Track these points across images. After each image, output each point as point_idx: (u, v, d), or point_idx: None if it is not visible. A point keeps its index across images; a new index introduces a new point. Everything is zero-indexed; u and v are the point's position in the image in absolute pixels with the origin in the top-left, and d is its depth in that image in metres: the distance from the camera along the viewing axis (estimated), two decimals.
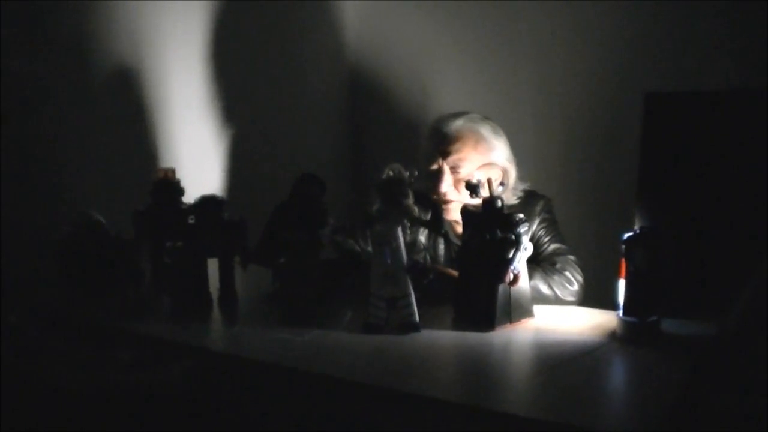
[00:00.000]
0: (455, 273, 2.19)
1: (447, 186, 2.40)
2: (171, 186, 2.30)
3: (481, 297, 2.02)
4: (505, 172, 2.42)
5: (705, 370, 1.74)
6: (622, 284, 1.92)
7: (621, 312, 1.92)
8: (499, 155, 2.44)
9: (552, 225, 2.47)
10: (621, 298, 1.92)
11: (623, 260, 1.91)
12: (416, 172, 2.03)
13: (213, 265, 2.22)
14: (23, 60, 2.50)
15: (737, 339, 1.77)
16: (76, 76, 2.69)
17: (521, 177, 2.52)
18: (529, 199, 2.50)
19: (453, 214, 2.42)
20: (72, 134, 2.66)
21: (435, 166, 2.43)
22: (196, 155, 3.16)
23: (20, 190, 2.50)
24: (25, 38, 2.50)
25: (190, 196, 2.26)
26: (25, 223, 2.48)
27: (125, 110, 2.88)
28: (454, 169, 2.40)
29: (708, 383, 1.72)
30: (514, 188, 2.48)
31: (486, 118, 2.50)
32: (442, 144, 2.42)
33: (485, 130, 2.45)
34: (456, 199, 2.39)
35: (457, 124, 2.44)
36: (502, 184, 2.13)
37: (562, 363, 1.75)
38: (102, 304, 2.22)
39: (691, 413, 1.62)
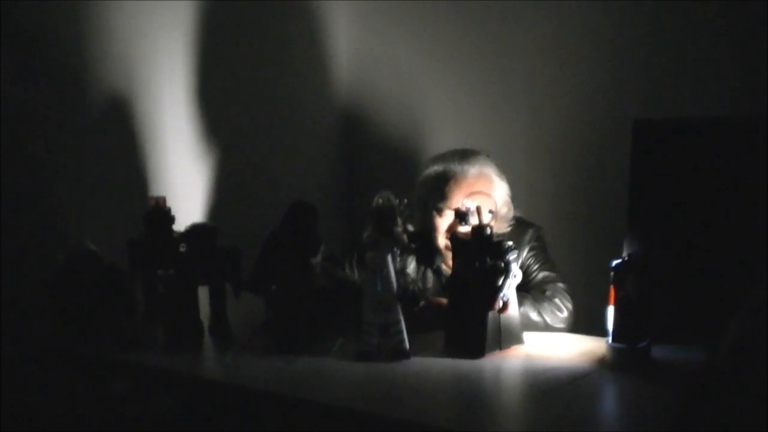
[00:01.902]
0: (445, 301, 2.20)
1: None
2: (162, 214, 2.30)
3: (471, 324, 2.03)
4: (499, 209, 2.39)
5: (696, 397, 1.75)
6: (611, 311, 1.93)
7: (610, 338, 1.93)
8: (502, 192, 2.45)
9: (542, 253, 2.48)
10: (610, 325, 1.93)
11: (612, 287, 1.92)
12: (406, 200, 2.04)
13: (205, 294, 2.23)
14: (15, 88, 2.51)
15: (728, 366, 1.77)
16: (68, 104, 2.70)
17: (512, 204, 2.52)
18: (519, 227, 2.51)
19: (447, 252, 2.42)
20: (64, 163, 2.67)
21: (451, 213, 2.39)
22: (188, 183, 3.16)
23: (12, 220, 2.50)
24: (18, 66, 2.52)
25: (181, 224, 2.26)
26: (18, 252, 2.48)
27: (117, 139, 2.89)
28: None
29: (699, 410, 1.72)
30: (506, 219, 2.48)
31: (489, 156, 2.51)
32: (459, 191, 2.39)
33: (493, 172, 2.45)
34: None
35: (474, 171, 2.42)
36: (491, 211, 2.15)
37: (552, 389, 1.76)
38: (96, 334, 2.22)
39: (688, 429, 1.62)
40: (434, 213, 2.45)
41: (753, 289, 1.77)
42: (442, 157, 2.51)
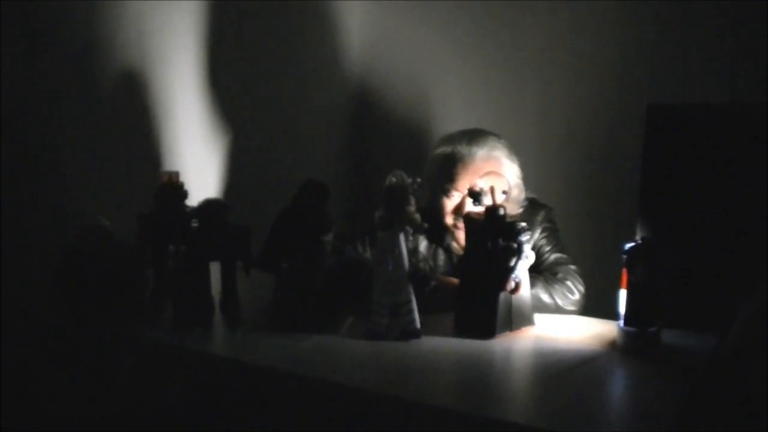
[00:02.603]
0: (456, 282, 2.19)
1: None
2: (175, 190, 2.30)
3: (482, 305, 2.02)
4: (511, 188, 2.40)
5: (706, 382, 1.75)
6: (623, 294, 1.92)
7: (621, 322, 1.92)
8: (512, 174, 2.44)
9: (554, 234, 2.47)
10: (622, 308, 1.92)
11: (624, 270, 1.91)
12: (419, 179, 2.03)
13: (216, 271, 2.23)
14: (27, 64, 2.50)
15: (738, 352, 1.77)
16: (80, 79, 2.69)
17: (524, 185, 2.52)
18: (531, 208, 2.50)
19: (458, 233, 2.42)
20: (76, 138, 2.67)
21: (459, 194, 2.41)
22: (200, 159, 3.16)
23: (24, 195, 2.50)
24: (30, 42, 2.51)
25: (193, 200, 2.26)
26: (29, 227, 2.48)
27: (129, 114, 2.88)
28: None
29: (709, 395, 1.72)
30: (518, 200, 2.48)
31: (500, 138, 2.50)
32: (467, 173, 2.40)
33: (503, 154, 2.44)
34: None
35: (482, 153, 2.42)
36: (504, 192, 2.14)
37: (562, 372, 1.76)
38: (106, 309, 2.23)
39: (692, 425, 1.62)
40: (441, 194, 2.45)
41: (763, 276, 1.76)
42: (451, 138, 2.51)
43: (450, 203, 2.45)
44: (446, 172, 2.45)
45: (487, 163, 2.40)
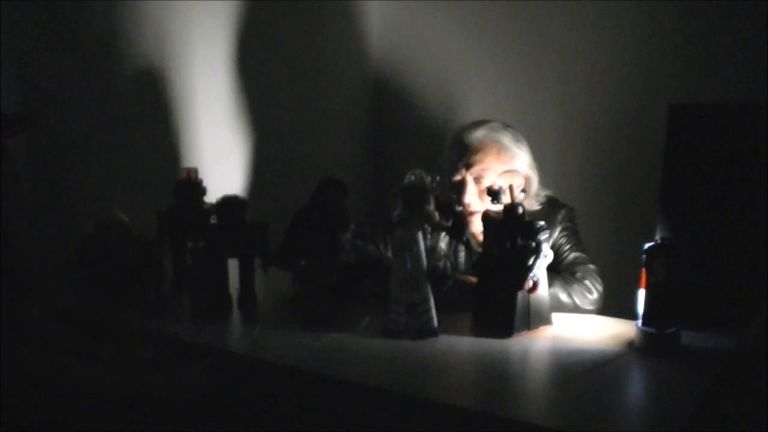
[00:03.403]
0: (474, 280, 2.19)
1: (471, 197, 2.40)
2: (193, 186, 2.31)
3: (500, 303, 2.02)
4: (527, 179, 2.41)
5: (724, 384, 1.73)
6: (642, 294, 1.91)
7: (640, 322, 1.91)
8: (521, 162, 2.44)
9: (573, 233, 2.46)
10: (641, 309, 1.91)
11: (644, 270, 1.90)
12: (438, 178, 2.03)
13: (234, 267, 2.24)
14: (49, 59, 2.52)
15: (757, 353, 1.75)
16: (101, 75, 2.71)
17: (544, 184, 2.51)
18: (551, 207, 2.49)
19: (476, 223, 2.42)
20: (96, 133, 2.68)
21: (458, 177, 2.43)
22: (219, 156, 3.17)
23: (44, 188, 2.52)
24: (52, 38, 2.52)
25: (212, 197, 2.27)
26: (48, 220, 2.50)
27: (150, 110, 2.90)
28: (477, 180, 2.40)
29: (727, 397, 1.71)
30: (537, 194, 2.48)
31: (507, 126, 2.50)
32: (465, 155, 2.43)
33: (507, 139, 2.45)
34: (480, 210, 2.38)
35: (479, 134, 2.44)
36: (523, 191, 2.13)
37: (580, 372, 1.75)
38: (123, 302, 2.24)
39: (710, 426, 1.61)
40: (449, 176, 2.48)
41: None
42: (459, 126, 2.57)
43: (452, 187, 2.46)
44: (449, 154, 2.49)
45: (486, 145, 2.43)
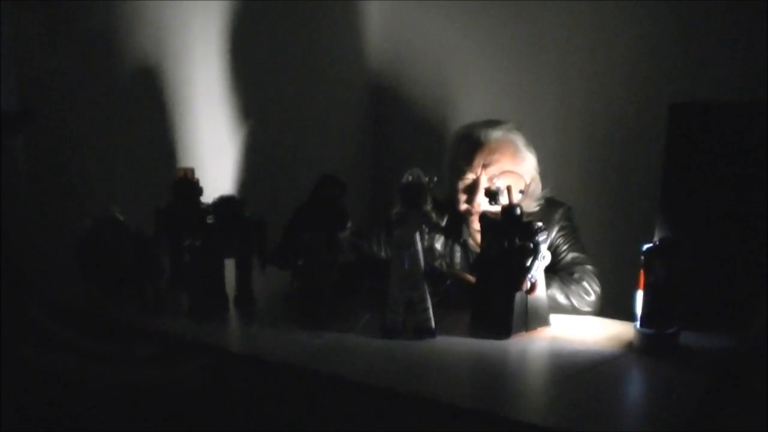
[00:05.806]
0: (472, 279, 2.19)
1: (482, 197, 2.38)
2: (190, 186, 2.31)
3: (498, 304, 2.01)
4: (532, 182, 2.40)
5: (724, 384, 1.73)
6: (640, 295, 1.91)
7: (638, 323, 1.91)
8: (530, 165, 2.44)
9: (571, 233, 2.45)
10: (639, 310, 1.91)
11: (642, 271, 1.89)
12: (435, 178, 2.03)
13: (231, 265, 2.23)
14: (47, 57, 2.51)
15: (757, 353, 1.75)
16: (100, 74, 2.70)
17: (543, 184, 2.51)
18: (549, 207, 2.49)
19: (474, 222, 2.41)
20: (94, 131, 2.68)
21: (472, 176, 2.41)
22: (217, 155, 3.17)
23: (42, 186, 2.52)
24: (50, 36, 2.52)
25: (209, 196, 2.27)
26: (46, 217, 2.49)
27: (148, 108, 2.89)
28: (490, 180, 2.37)
29: (727, 397, 1.71)
30: (537, 197, 2.47)
31: (518, 128, 2.49)
32: (481, 154, 2.41)
33: (520, 141, 2.44)
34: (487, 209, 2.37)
35: (497, 134, 2.43)
36: (521, 192, 2.13)
37: (578, 373, 1.75)
38: (120, 299, 2.24)
39: (710, 426, 1.61)
40: (456, 175, 2.46)
41: None
42: (470, 124, 2.54)
43: (463, 185, 2.45)
44: (461, 152, 2.46)
45: (501, 145, 2.42)
